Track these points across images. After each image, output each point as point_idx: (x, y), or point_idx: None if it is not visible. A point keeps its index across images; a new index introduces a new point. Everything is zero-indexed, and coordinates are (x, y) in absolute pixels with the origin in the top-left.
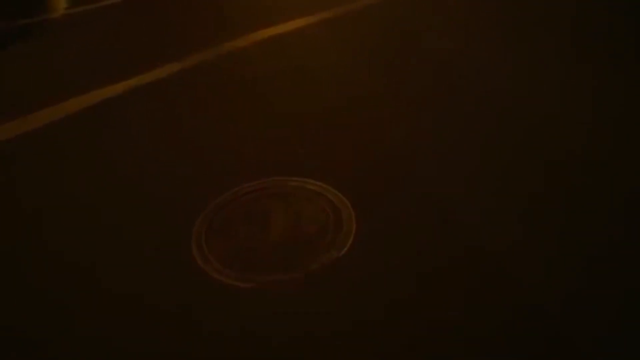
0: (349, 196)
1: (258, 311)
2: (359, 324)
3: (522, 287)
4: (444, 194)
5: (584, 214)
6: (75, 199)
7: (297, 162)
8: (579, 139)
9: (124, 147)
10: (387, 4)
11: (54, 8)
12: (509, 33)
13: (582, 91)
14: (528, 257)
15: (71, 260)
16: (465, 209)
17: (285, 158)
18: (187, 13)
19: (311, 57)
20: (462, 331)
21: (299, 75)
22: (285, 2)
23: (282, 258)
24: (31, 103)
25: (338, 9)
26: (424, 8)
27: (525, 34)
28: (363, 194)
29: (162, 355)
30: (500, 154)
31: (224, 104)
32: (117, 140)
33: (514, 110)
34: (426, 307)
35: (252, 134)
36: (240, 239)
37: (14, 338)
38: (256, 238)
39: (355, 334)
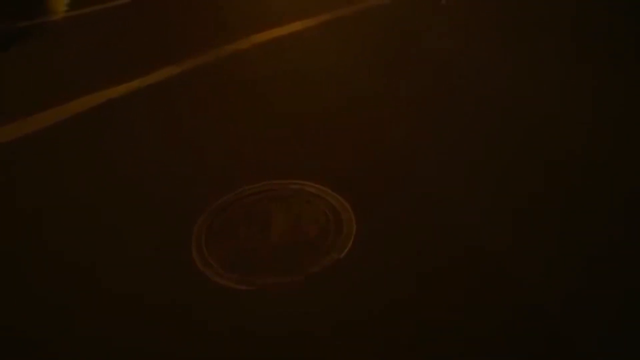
0: (349, 196)
1: (258, 312)
2: (359, 324)
3: (522, 287)
4: (444, 194)
5: (584, 214)
6: (75, 199)
7: (297, 162)
8: (579, 139)
9: (125, 147)
10: (387, 6)
11: (53, 10)
12: (509, 33)
13: (582, 91)
14: (528, 257)
15: (71, 260)
16: (465, 209)
17: (285, 158)
18: (188, 15)
19: (311, 58)
20: (462, 331)
21: (298, 76)
22: (285, 5)
23: (282, 260)
24: (31, 104)
25: (338, 11)
26: (424, 8)
27: (525, 34)
28: (363, 194)
29: (162, 355)
30: (500, 154)
31: (224, 104)
32: (117, 141)
33: (514, 110)
34: (426, 307)
35: (253, 134)
36: (240, 241)
37: (14, 338)
38: (256, 240)
39: (355, 334)
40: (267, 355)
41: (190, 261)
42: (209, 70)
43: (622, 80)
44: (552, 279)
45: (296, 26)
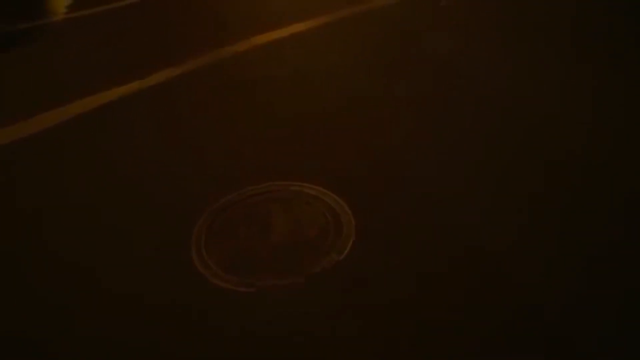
0: (349, 197)
1: (258, 312)
2: (359, 324)
3: (522, 287)
4: (444, 194)
5: (584, 214)
6: (76, 199)
7: (297, 163)
8: (579, 139)
9: (125, 148)
10: (387, 6)
11: (54, 12)
12: (509, 33)
13: (582, 91)
14: (528, 257)
15: (71, 260)
16: (465, 209)
17: (285, 158)
18: (188, 17)
19: (311, 59)
20: (462, 331)
21: (299, 77)
22: (285, 7)
23: (282, 260)
24: (32, 106)
25: (338, 12)
26: (424, 8)
27: (525, 34)
28: (363, 194)
29: (162, 355)
30: (500, 154)
31: (225, 105)
32: (117, 141)
33: (514, 110)
34: (426, 307)
35: (253, 134)
36: (240, 241)
37: (14, 338)
38: (256, 240)
39: (355, 334)
40: (267, 355)
41: (190, 261)
42: (209, 71)
43: (622, 80)
44: (552, 279)
45: (296, 27)
